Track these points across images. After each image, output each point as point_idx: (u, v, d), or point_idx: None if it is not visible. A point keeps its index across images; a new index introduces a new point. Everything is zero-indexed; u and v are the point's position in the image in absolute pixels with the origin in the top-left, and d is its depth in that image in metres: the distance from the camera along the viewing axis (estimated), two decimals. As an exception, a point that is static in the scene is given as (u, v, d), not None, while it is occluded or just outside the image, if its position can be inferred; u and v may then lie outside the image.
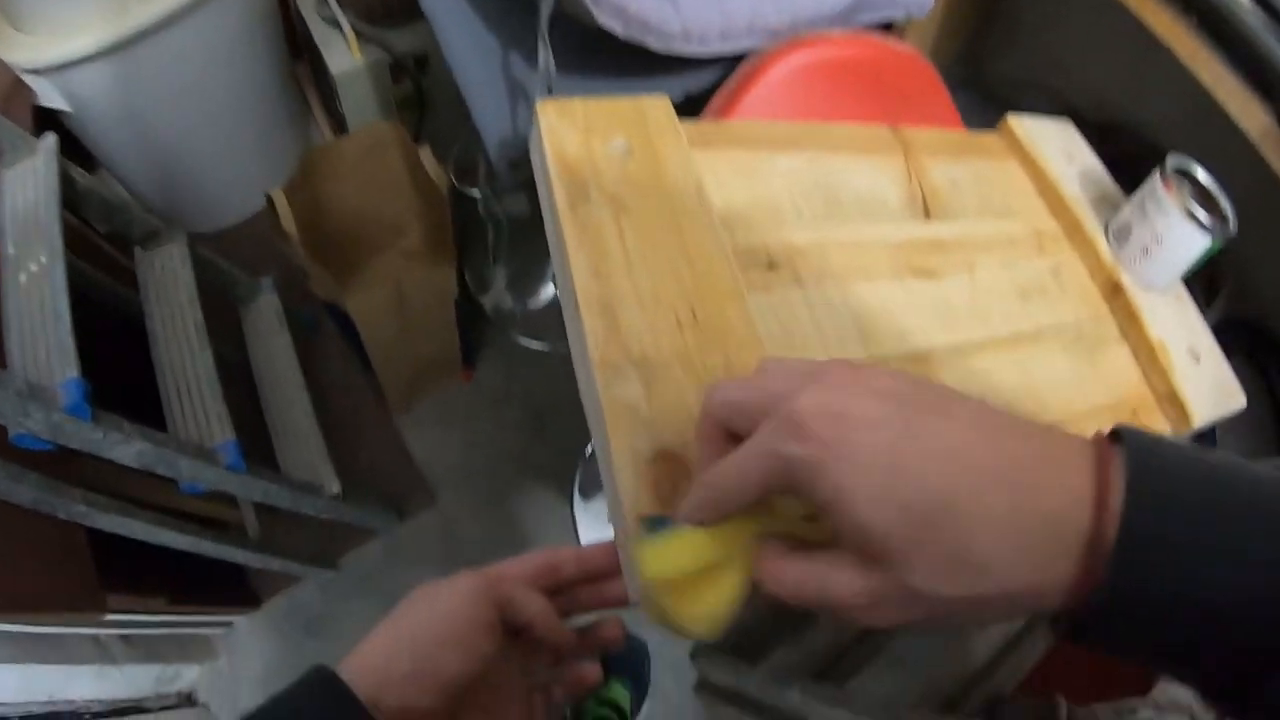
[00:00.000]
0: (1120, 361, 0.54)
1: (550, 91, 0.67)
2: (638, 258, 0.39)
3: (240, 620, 1.21)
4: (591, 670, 0.39)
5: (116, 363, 0.85)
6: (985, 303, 0.51)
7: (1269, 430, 0.78)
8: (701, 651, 1.14)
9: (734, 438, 0.27)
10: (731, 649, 1.11)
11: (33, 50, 1.03)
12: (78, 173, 0.89)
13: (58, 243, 0.78)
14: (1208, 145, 0.59)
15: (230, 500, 1.11)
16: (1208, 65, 0.69)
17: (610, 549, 0.36)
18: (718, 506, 0.26)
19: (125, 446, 0.73)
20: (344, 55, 1.26)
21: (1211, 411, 0.52)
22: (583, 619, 0.38)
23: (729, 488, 0.26)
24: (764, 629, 1.04)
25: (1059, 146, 0.63)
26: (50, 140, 0.87)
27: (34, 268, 0.78)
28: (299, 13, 1.32)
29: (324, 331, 1.38)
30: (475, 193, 1.27)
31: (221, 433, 0.88)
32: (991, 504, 0.22)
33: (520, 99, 0.72)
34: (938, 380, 0.31)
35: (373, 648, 0.32)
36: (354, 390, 1.36)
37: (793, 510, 0.27)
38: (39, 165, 0.84)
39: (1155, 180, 0.53)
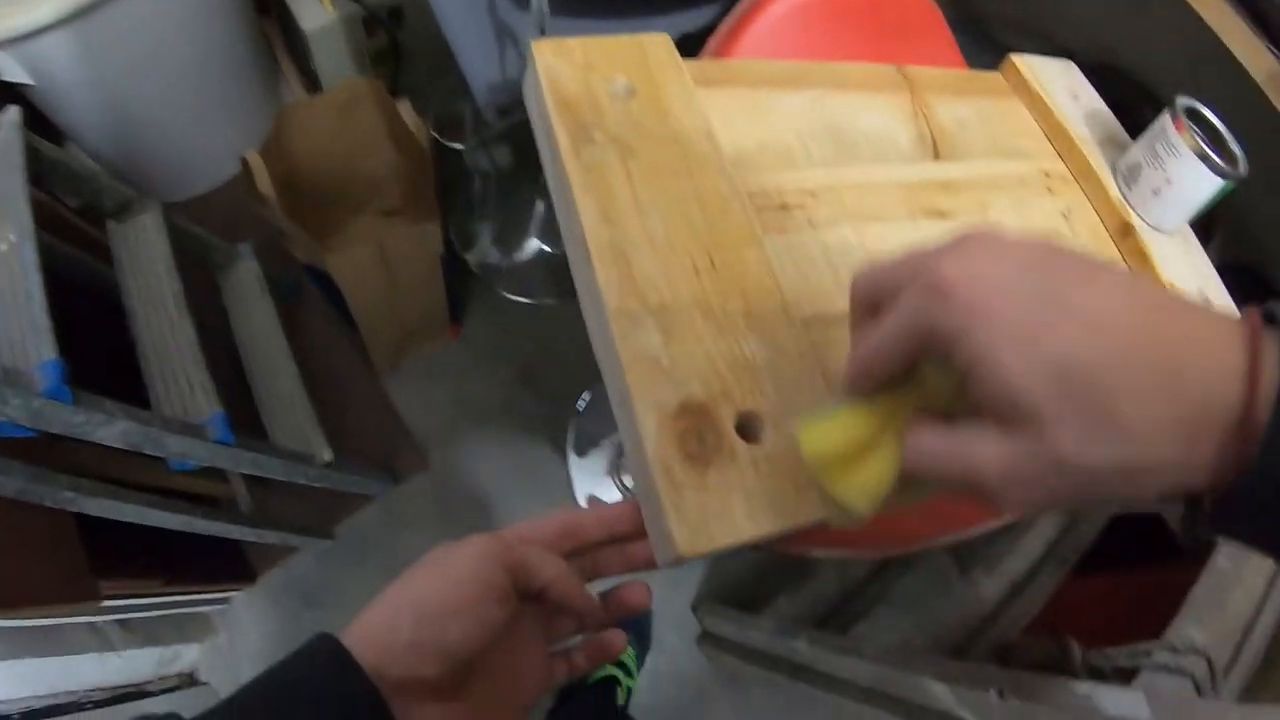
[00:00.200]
0: (1132, 303, 0.53)
1: (543, 33, 0.64)
2: (648, 202, 0.37)
3: (238, 596, 1.20)
4: (616, 637, 0.37)
5: (94, 341, 0.82)
6: (999, 245, 0.49)
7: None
8: (704, 604, 1.15)
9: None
10: (733, 600, 1.12)
11: (-11, 21, 0.97)
12: (44, 146, 0.85)
13: (27, 220, 0.75)
14: (1209, 89, 0.58)
15: (220, 475, 1.09)
16: (1213, 5, 0.67)
17: (634, 508, 0.35)
18: (869, 375, 0.27)
19: (109, 427, 0.71)
20: (315, 10, 1.21)
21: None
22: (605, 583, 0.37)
23: (877, 356, 0.26)
24: (765, 578, 1.04)
25: (1064, 86, 0.62)
26: (13, 113, 0.82)
27: (3, 247, 0.74)
28: (264, -34, 1.27)
29: (306, 295, 1.35)
30: (458, 146, 1.24)
31: (208, 406, 0.85)
32: (1138, 371, 0.22)
33: (509, 42, 0.69)
34: None
35: (374, 617, 0.30)
36: (339, 353, 1.33)
37: (944, 385, 0.26)
38: (2, 140, 0.80)
39: (1165, 121, 0.52)
